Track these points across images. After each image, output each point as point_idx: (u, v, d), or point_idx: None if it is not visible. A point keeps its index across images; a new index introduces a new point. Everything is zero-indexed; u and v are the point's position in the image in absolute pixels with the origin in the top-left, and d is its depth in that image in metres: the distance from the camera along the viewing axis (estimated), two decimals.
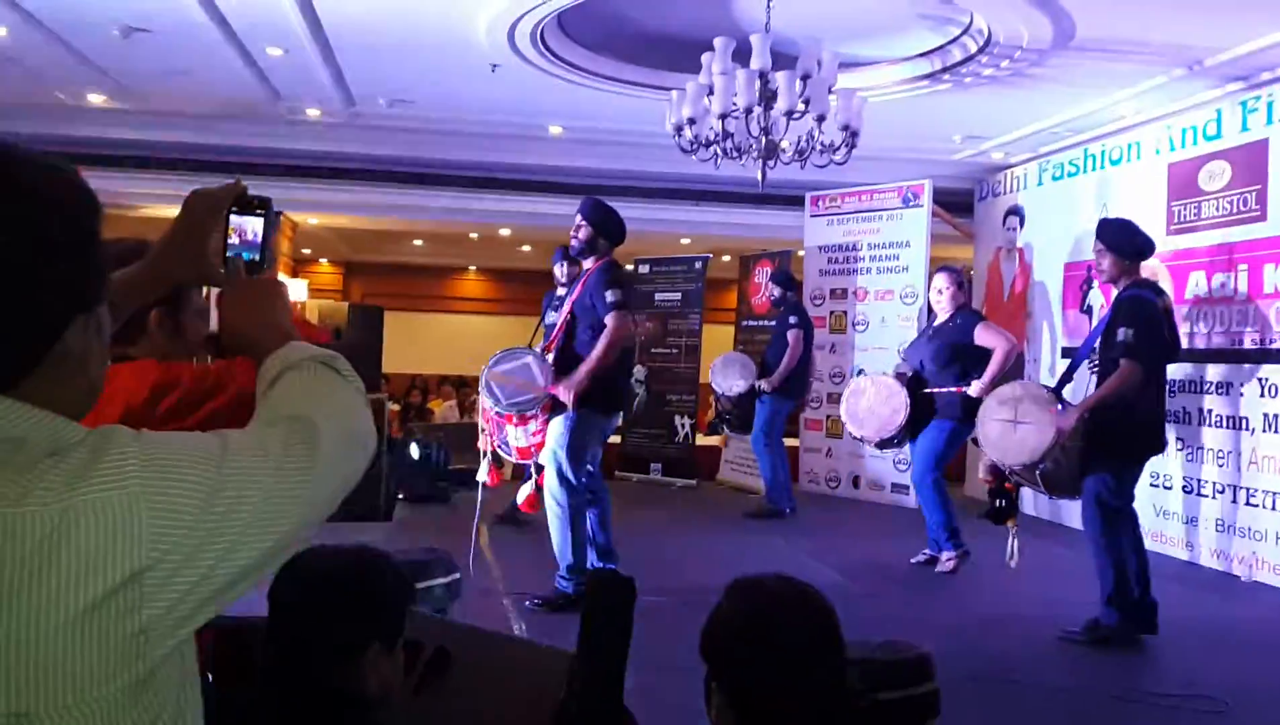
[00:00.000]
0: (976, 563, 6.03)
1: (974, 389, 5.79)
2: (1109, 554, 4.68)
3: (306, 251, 15.70)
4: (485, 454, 5.36)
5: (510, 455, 5.33)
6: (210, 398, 1.81)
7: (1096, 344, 4.91)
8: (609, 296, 4.93)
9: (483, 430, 5.32)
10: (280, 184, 9.70)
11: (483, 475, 5.43)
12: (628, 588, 1.56)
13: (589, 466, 5.15)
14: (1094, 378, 4.94)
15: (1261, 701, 4.07)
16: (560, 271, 6.89)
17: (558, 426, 5.01)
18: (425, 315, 16.80)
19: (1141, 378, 4.56)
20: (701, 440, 10.00)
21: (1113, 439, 4.64)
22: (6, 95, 8.18)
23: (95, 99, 8.32)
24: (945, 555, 6.06)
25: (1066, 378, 5.13)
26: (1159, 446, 4.82)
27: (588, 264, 5.17)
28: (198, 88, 7.87)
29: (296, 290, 11.41)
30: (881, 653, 2.33)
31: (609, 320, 4.93)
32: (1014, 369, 8.43)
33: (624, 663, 1.53)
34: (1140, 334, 4.56)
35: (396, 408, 11.37)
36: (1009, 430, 4.83)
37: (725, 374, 8.30)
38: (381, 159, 9.59)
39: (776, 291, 8.12)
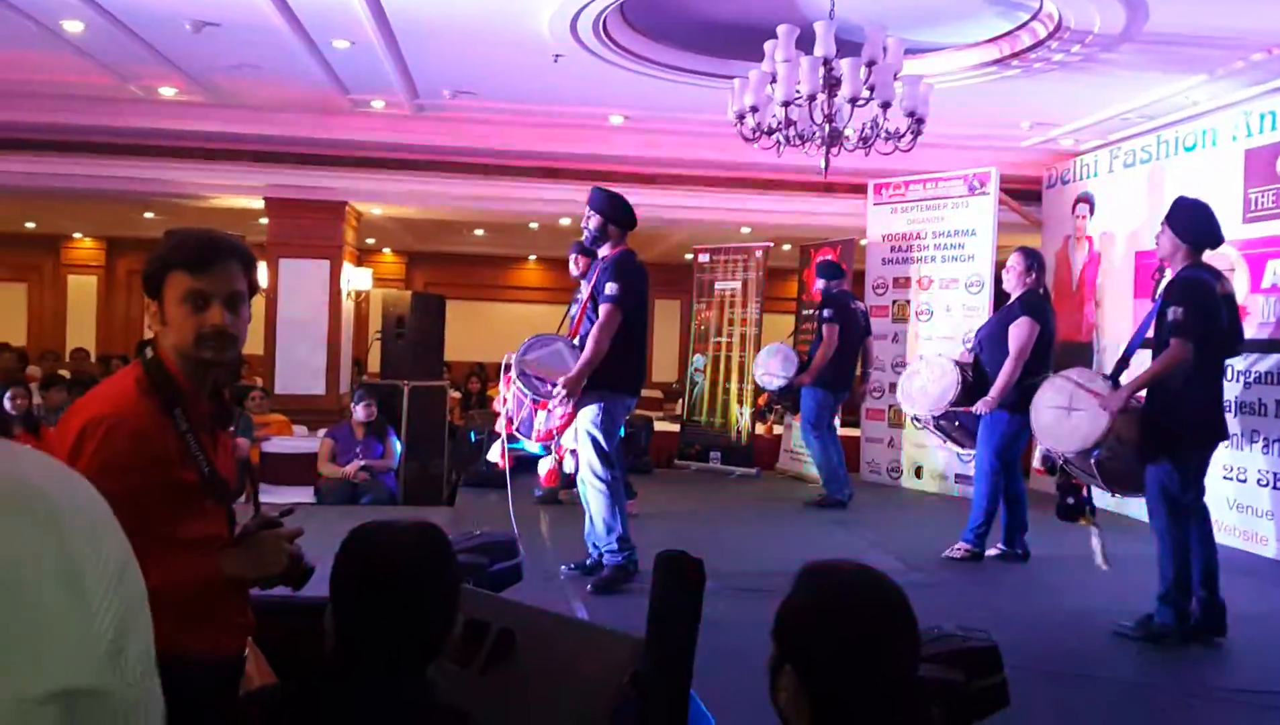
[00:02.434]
0: (1041, 556, 5.96)
1: (979, 407, 5.89)
2: (1172, 550, 4.50)
3: (371, 241, 15.90)
4: (500, 436, 5.49)
5: (529, 437, 5.43)
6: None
7: (1150, 330, 4.69)
8: (608, 289, 5.11)
9: (500, 412, 5.44)
10: (346, 174, 9.86)
11: (494, 456, 5.55)
12: (697, 568, 1.56)
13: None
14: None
15: None
16: (574, 264, 6.88)
17: (590, 411, 5.15)
18: (486, 304, 16.94)
19: (1192, 358, 4.34)
20: (761, 429, 9.96)
21: (1167, 426, 4.45)
22: (83, 88, 8.40)
23: (167, 92, 8.50)
24: (959, 544, 6.06)
25: (1123, 364, 4.90)
26: (1220, 434, 4.60)
27: (604, 252, 5.31)
28: (266, 80, 8.02)
29: (361, 280, 11.55)
30: (950, 641, 2.30)
31: (601, 311, 5.10)
32: (1082, 360, 8.31)
33: (694, 643, 1.53)
34: (1191, 313, 4.34)
35: (457, 395, 11.49)
36: (1062, 417, 4.73)
37: (766, 368, 8.28)
38: (444, 150, 9.67)
39: (819, 283, 8.07)
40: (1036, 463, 5.05)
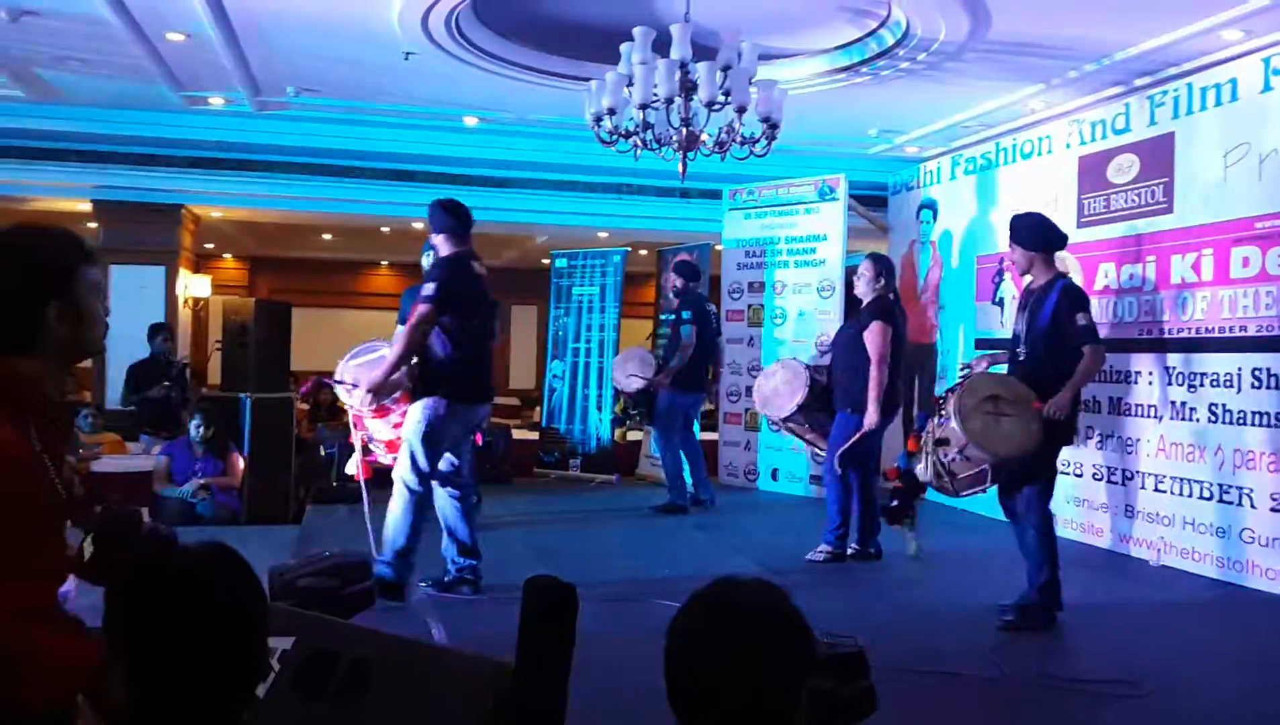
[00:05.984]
0: (894, 553, 6.08)
1: (867, 422, 5.86)
2: (1050, 550, 4.78)
3: (210, 246, 15.21)
4: (356, 447, 5.30)
5: (379, 448, 5.26)
6: None
7: (1020, 332, 4.94)
8: (424, 288, 4.97)
9: (352, 423, 5.24)
10: (182, 175, 9.38)
11: (353, 467, 5.36)
12: (568, 594, 1.46)
13: (454, 461, 5.11)
14: (1011, 367, 4.98)
15: (1177, 682, 4.14)
16: (426, 261, 6.98)
17: (415, 412, 4.96)
18: (336, 311, 16.42)
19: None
20: (617, 436, 9.92)
21: (1059, 431, 4.69)
22: None
23: None
24: (821, 547, 6.12)
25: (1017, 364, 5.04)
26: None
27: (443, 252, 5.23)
28: (94, 74, 7.53)
29: (199, 287, 11.04)
30: (818, 648, 2.26)
31: (415, 310, 4.94)
32: (928, 360, 8.58)
33: (567, 674, 1.43)
34: (1091, 318, 4.74)
35: (305, 407, 11.04)
36: (992, 423, 4.65)
37: (624, 370, 8.25)
38: (288, 150, 9.31)
39: (679, 282, 8.06)
40: (922, 471, 4.95)
